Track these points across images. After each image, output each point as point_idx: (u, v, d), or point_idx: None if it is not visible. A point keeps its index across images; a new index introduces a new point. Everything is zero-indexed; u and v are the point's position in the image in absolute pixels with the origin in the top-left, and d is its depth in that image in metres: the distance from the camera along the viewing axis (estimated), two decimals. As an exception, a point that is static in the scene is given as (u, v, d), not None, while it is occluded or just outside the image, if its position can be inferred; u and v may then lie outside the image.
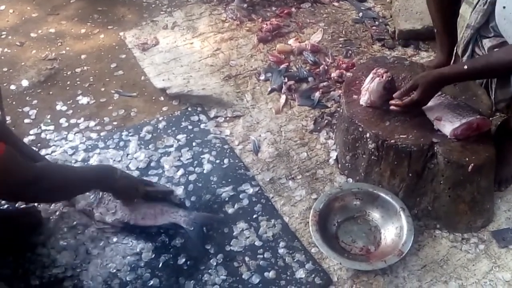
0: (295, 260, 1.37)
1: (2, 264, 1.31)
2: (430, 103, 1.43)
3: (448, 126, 1.37)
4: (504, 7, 1.30)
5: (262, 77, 1.93)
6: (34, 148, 1.64)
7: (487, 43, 1.43)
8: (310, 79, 1.90)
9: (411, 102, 1.37)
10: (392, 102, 1.42)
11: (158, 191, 1.47)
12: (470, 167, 1.32)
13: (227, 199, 1.51)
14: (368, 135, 1.43)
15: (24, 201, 1.34)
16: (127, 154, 1.64)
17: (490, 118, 1.47)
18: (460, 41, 1.52)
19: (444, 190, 1.39)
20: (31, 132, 1.73)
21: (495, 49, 1.37)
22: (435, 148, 1.36)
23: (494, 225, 1.47)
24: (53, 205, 1.46)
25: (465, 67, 1.32)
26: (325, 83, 1.89)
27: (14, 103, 1.84)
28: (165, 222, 1.40)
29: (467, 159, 1.33)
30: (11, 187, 1.11)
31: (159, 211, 1.41)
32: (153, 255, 1.36)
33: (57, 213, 1.45)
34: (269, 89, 1.89)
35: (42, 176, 1.16)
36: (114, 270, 1.33)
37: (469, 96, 1.50)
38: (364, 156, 1.48)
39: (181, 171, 1.59)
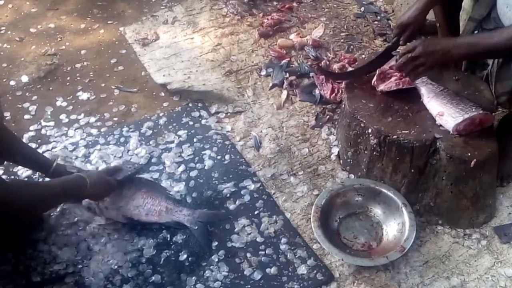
0: (296, 256, 1.37)
1: (3, 261, 1.31)
2: (432, 99, 1.42)
3: (451, 121, 1.36)
4: None
5: (263, 73, 1.92)
6: (35, 145, 1.64)
7: (488, 34, 1.43)
8: (311, 74, 1.89)
9: (408, 58, 1.30)
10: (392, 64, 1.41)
11: (129, 175, 1.45)
12: (472, 162, 1.32)
13: (228, 195, 1.51)
14: (370, 130, 1.42)
15: None
16: (128, 150, 1.64)
17: (493, 114, 1.46)
18: (462, 33, 1.52)
19: (446, 186, 1.38)
20: (31, 128, 1.72)
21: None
22: (438, 143, 1.36)
23: (496, 221, 1.47)
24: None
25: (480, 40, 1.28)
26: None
27: (14, 99, 1.83)
28: (168, 221, 1.40)
29: (469, 154, 1.33)
30: None
31: (164, 209, 1.41)
32: (155, 251, 1.36)
33: (58, 209, 1.44)
34: (270, 84, 1.88)
35: (6, 197, 1.13)
36: (116, 267, 1.33)
37: (471, 91, 1.49)
38: (366, 151, 1.47)
39: (182, 167, 1.58)
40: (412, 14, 1.46)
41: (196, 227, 1.38)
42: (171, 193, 1.49)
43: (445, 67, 1.50)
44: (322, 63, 1.91)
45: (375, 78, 1.50)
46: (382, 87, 1.49)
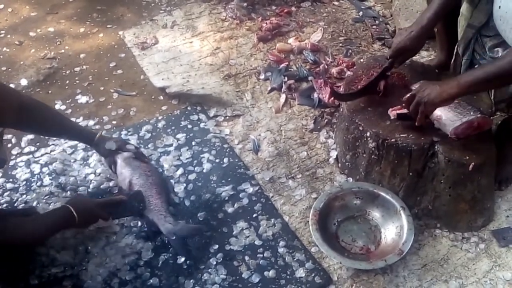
0: (295, 259, 1.36)
1: (1, 264, 1.30)
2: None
3: (449, 125, 1.36)
4: (499, 7, 1.30)
5: (262, 76, 1.92)
6: (33, 148, 1.64)
7: (488, 42, 1.43)
8: (310, 78, 1.90)
9: (417, 107, 1.31)
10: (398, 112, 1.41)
11: (120, 208, 1.38)
12: (470, 166, 1.32)
13: (227, 198, 1.51)
14: (368, 134, 1.42)
15: None
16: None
17: (491, 117, 1.47)
18: (460, 40, 1.52)
19: (445, 189, 1.38)
20: (30, 131, 1.73)
21: (499, 57, 1.32)
22: (436, 147, 1.36)
23: (494, 224, 1.47)
24: (52, 204, 1.46)
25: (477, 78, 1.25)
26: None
27: (13, 102, 1.84)
28: (148, 218, 1.37)
29: (467, 158, 1.33)
30: None
31: (153, 205, 1.39)
32: (153, 254, 1.36)
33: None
34: (269, 88, 1.88)
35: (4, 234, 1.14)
36: (114, 270, 1.32)
37: (469, 95, 1.49)
38: (364, 155, 1.47)
39: (180, 170, 1.58)
40: (411, 40, 1.44)
41: (174, 238, 1.35)
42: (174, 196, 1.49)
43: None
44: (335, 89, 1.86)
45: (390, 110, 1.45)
46: (393, 113, 1.44)
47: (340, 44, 2.08)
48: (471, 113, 1.37)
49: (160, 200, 1.42)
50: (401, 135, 1.39)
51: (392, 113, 1.43)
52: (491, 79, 1.25)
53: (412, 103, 1.33)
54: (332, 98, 1.75)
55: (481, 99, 1.48)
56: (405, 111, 1.38)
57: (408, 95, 1.34)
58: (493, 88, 1.43)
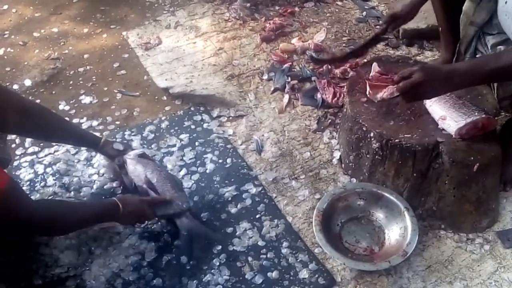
0: (298, 260, 1.36)
1: (5, 264, 1.31)
2: (434, 103, 1.42)
3: (453, 125, 1.36)
4: (506, 2, 1.29)
5: (265, 77, 1.92)
6: (37, 148, 1.65)
7: (490, 40, 1.42)
8: (313, 78, 1.89)
9: (406, 86, 1.21)
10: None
11: (164, 207, 1.39)
12: (475, 166, 1.31)
13: (230, 199, 1.50)
14: (372, 134, 1.42)
15: (18, 237, 1.31)
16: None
17: (496, 118, 1.46)
18: (463, 38, 1.51)
19: (449, 190, 1.38)
20: (34, 131, 1.73)
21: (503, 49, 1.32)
22: (440, 147, 1.35)
23: (499, 225, 1.46)
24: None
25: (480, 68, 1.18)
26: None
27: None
28: (167, 212, 1.38)
29: (472, 158, 1.32)
30: (7, 223, 1.11)
31: (171, 197, 1.40)
32: (156, 254, 1.36)
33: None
34: (272, 88, 1.88)
35: (38, 216, 1.16)
36: (117, 270, 1.32)
37: (474, 95, 1.48)
38: (368, 155, 1.47)
39: (184, 171, 1.58)
40: (405, 7, 1.51)
41: (185, 233, 1.36)
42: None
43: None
44: (314, 54, 1.93)
45: (368, 88, 1.48)
46: (381, 95, 1.47)
47: (344, 44, 2.07)
48: (476, 113, 1.36)
49: (174, 193, 1.42)
50: (405, 135, 1.38)
51: (380, 96, 1.43)
52: (494, 75, 1.22)
53: (406, 93, 1.23)
54: (336, 99, 1.75)
55: (486, 99, 1.47)
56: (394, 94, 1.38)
57: (405, 82, 1.22)
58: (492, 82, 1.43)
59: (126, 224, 1.39)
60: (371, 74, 1.51)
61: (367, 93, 1.49)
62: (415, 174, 1.40)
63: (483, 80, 1.31)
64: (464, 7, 1.47)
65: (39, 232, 1.26)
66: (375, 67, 1.51)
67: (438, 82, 1.21)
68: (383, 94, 1.45)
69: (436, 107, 1.42)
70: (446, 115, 1.38)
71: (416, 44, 2.09)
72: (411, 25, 2.09)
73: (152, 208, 1.37)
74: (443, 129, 1.39)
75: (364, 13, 2.24)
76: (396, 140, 1.37)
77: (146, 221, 1.40)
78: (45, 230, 1.25)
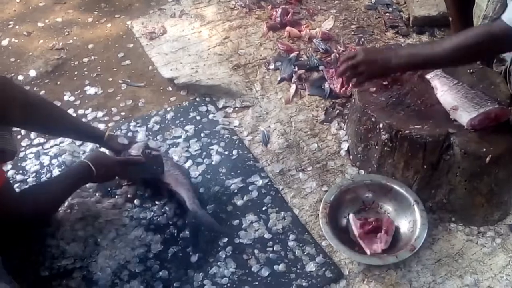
0: (305, 253, 1.35)
1: (11, 256, 1.31)
2: (446, 93, 1.38)
3: (465, 116, 1.32)
4: None
5: (271, 66, 1.89)
6: (42, 139, 1.64)
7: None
8: (321, 68, 1.86)
9: (348, 66, 1.32)
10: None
11: (138, 168, 1.40)
12: (487, 158, 1.28)
13: (236, 191, 1.49)
14: (381, 125, 1.39)
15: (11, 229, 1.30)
16: (135, 145, 1.63)
17: (509, 108, 1.42)
18: None
19: (460, 182, 1.35)
20: (39, 123, 1.72)
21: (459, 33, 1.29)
22: (451, 138, 1.32)
23: (511, 218, 1.43)
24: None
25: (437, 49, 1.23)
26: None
27: (22, 93, 1.84)
28: (178, 193, 1.38)
29: (484, 150, 1.29)
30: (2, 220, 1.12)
31: (183, 183, 1.40)
32: (162, 247, 1.35)
33: (66, 204, 1.44)
34: (279, 78, 1.85)
35: (22, 206, 1.17)
36: (123, 262, 1.32)
37: (487, 85, 1.44)
38: (377, 147, 1.44)
39: (189, 162, 1.57)
40: None
41: (193, 220, 1.35)
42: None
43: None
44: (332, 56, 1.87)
45: (362, 244, 1.32)
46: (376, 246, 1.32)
47: (352, 33, 2.03)
48: (489, 103, 1.33)
49: (186, 180, 1.43)
50: (415, 126, 1.35)
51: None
52: (429, 62, 1.25)
53: (344, 72, 1.34)
54: (344, 88, 1.71)
55: (499, 89, 1.43)
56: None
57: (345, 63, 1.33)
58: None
59: (99, 182, 1.41)
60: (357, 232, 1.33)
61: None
62: (425, 166, 1.37)
63: (420, 66, 1.35)
64: (477, 0, 1.44)
65: (30, 220, 1.25)
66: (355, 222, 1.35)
67: (375, 64, 1.30)
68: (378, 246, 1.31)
69: (447, 97, 1.38)
70: (458, 105, 1.35)
71: (427, 32, 2.04)
72: (422, 12, 2.04)
73: (124, 168, 1.38)
74: (455, 120, 1.35)
75: (373, 0, 2.19)
76: (406, 131, 1.34)
77: (120, 180, 1.40)
78: (34, 217, 1.25)
